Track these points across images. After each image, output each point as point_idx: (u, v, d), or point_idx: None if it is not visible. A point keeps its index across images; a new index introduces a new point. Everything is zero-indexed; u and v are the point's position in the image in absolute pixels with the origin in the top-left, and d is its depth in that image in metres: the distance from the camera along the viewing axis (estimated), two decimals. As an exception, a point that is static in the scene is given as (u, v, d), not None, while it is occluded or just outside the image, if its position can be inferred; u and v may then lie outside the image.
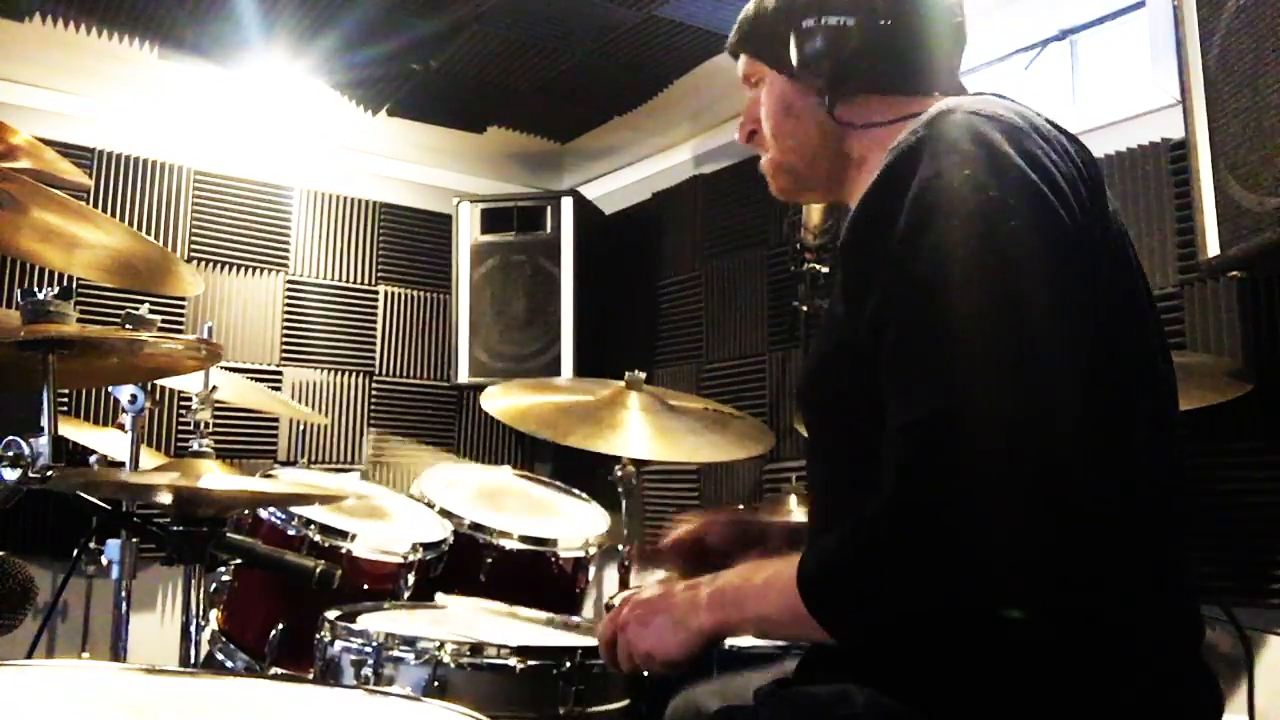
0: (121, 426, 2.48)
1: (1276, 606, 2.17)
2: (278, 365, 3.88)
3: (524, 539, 2.61)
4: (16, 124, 1.80)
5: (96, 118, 3.64)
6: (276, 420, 3.79)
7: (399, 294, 4.20)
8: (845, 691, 1.00)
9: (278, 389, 3.83)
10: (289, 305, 3.94)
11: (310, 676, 1.89)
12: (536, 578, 2.62)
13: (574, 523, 2.81)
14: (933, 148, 0.98)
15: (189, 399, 2.36)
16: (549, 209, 3.94)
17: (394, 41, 3.12)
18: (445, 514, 2.62)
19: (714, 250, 3.79)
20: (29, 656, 2.37)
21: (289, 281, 3.95)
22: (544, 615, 1.97)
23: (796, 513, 2.36)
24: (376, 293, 4.15)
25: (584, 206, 3.99)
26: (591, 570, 2.82)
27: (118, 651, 2.10)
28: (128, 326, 1.82)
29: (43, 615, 2.70)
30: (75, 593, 3.20)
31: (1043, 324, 0.90)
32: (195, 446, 1.78)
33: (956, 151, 0.96)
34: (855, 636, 0.99)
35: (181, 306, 3.63)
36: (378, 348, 4.12)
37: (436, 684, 1.61)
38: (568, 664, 1.63)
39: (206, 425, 2.13)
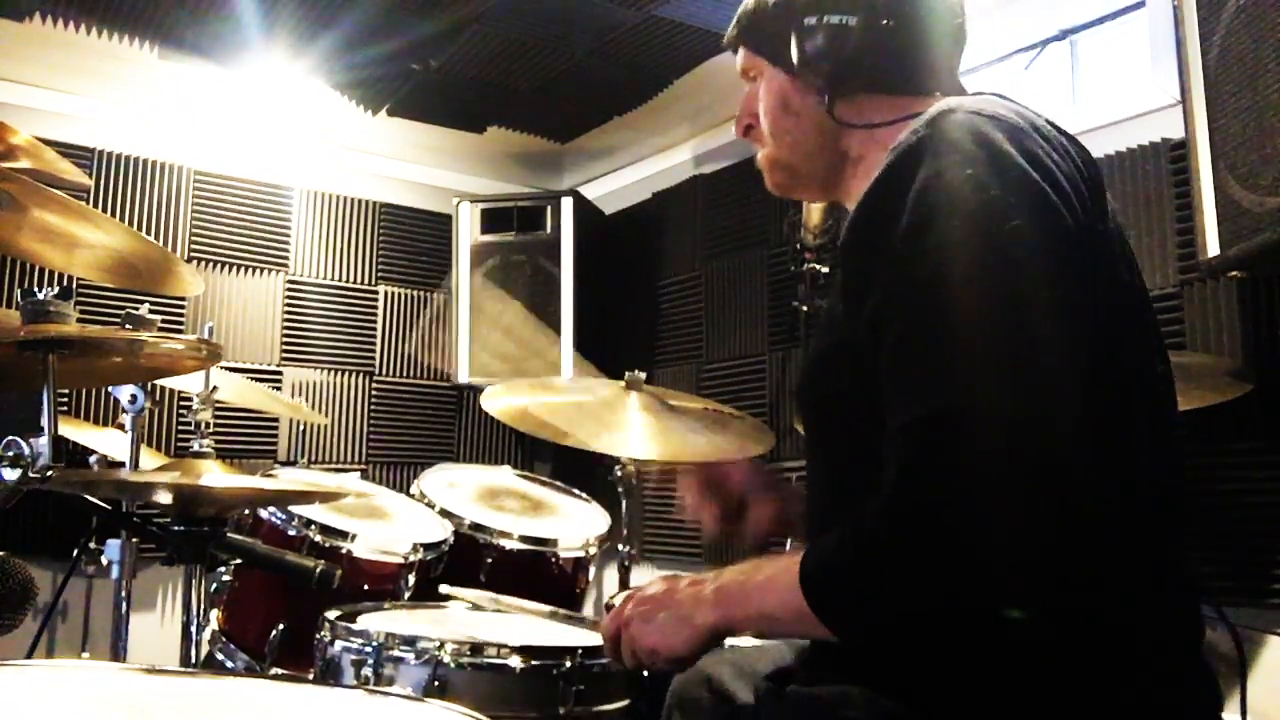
0: (121, 426, 2.48)
1: (1276, 606, 2.17)
2: (278, 365, 3.88)
3: (524, 539, 2.61)
4: (16, 124, 1.80)
5: (96, 118, 3.64)
6: (276, 420, 3.79)
7: (399, 294, 4.20)
8: (846, 692, 1.00)
9: (278, 389, 3.83)
10: (289, 305, 3.94)
11: (310, 676, 1.89)
12: (536, 578, 2.62)
13: (574, 523, 2.81)
14: (934, 147, 0.98)
15: (189, 399, 2.36)
16: (549, 209, 3.94)
17: (394, 41, 3.12)
18: (445, 514, 2.62)
19: (714, 250, 3.79)
20: (29, 656, 2.37)
21: (289, 281, 3.95)
22: (548, 608, 1.97)
23: (805, 518, 2.36)
24: (376, 293, 4.15)
25: (584, 206, 3.99)
26: (591, 570, 2.82)
27: (118, 651, 2.10)
28: (128, 326, 1.82)
29: (43, 615, 2.70)
30: (75, 593, 3.20)
31: (1044, 324, 0.90)
32: (195, 446, 1.78)
33: (958, 151, 0.96)
34: (856, 635, 0.99)
35: (181, 306, 3.63)
36: (378, 348, 4.12)
37: (436, 684, 1.61)
38: (568, 664, 1.63)
39: (207, 425, 2.13)
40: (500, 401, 2.54)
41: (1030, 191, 0.94)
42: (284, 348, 3.90)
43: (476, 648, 1.65)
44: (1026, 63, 2.94)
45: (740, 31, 1.28)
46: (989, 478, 0.85)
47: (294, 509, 2.33)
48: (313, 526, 2.32)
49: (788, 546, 1.49)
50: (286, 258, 3.96)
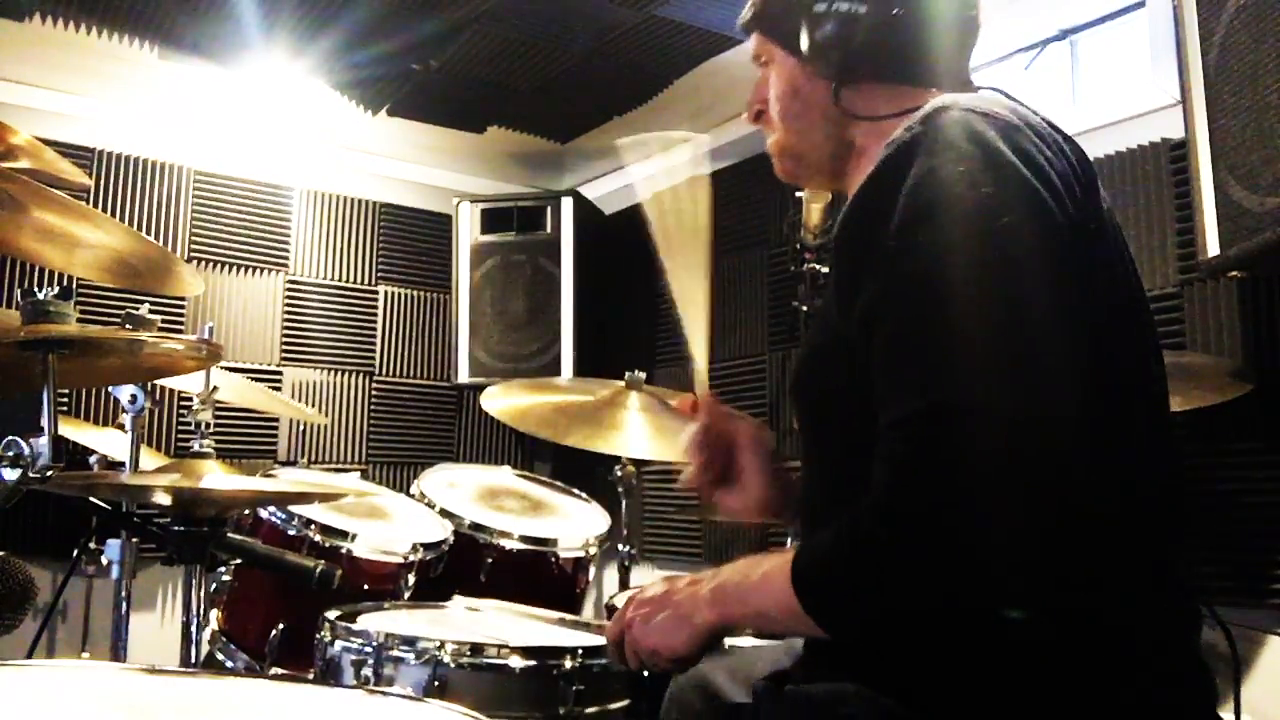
0: (121, 426, 2.48)
1: (1275, 606, 2.17)
2: (278, 365, 3.88)
3: (524, 539, 2.61)
4: (16, 124, 1.80)
5: (96, 118, 3.64)
6: (276, 420, 3.79)
7: (399, 294, 4.20)
8: (843, 691, 1.00)
9: (278, 389, 3.83)
10: (289, 305, 3.94)
11: (310, 676, 1.89)
12: (536, 578, 2.62)
13: (574, 523, 2.81)
14: (928, 144, 0.98)
15: (189, 399, 2.36)
16: (549, 209, 3.94)
17: (394, 41, 3.12)
18: (445, 514, 2.62)
19: (714, 250, 3.78)
20: (29, 656, 2.37)
21: (289, 281, 3.95)
22: (556, 615, 1.97)
23: (800, 515, 2.35)
24: (376, 293, 4.15)
25: (584, 206, 3.99)
26: (591, 570, 2.82)
27: (118, 651, 2.10)
28: (128, 326, 1.82)
29: (43, 615, 2.70)
30: (75, 593, 3.20)
31: (1040, 322, 0.90)
32: (195, 447, 1.78)
33: (952, 148, 0.96)
34: (849, 633, 1.00)
35: (181, 306, 3.63)
36: (378, 348, 4.12)
37: (436, 684, 1.61)
38: (568, 664, 1.63)
39: (207, 425, 2.13)
40: (500, 401, 2.54)
41: (1023, 190, 0.94)
42: (284, 348, 3.90)
43: (476, 648, 1.65)
44: (1026, 63, 2.94)
45: (753, 16, 1.28)
46: (988, 476, 0.85)
47: (294, 509, 2.33)
48: (313, 526, 2.32)
49: (788, 543, 1.48)
50: (286, 258, 3.96)
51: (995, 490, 0.85)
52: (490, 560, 2.56)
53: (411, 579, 2.43)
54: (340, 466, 3.93)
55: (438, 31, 3.07)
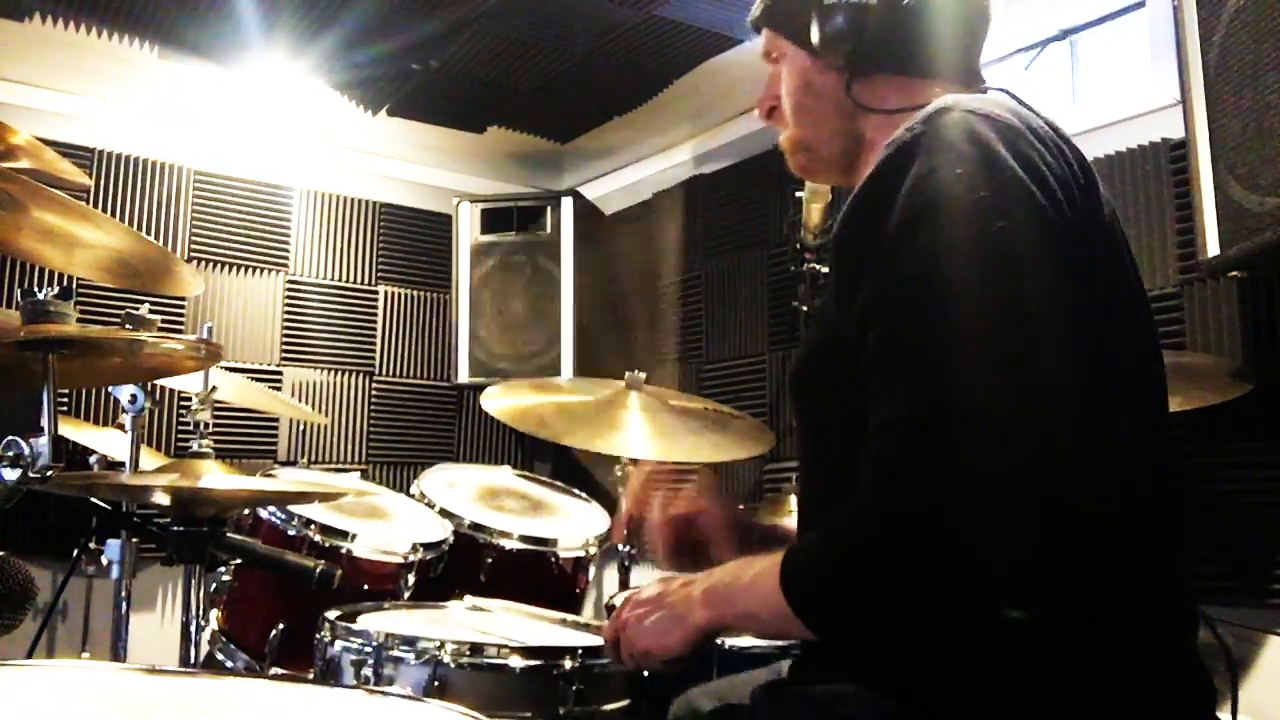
0: (121, 426, 2.48)
1: (1275, 606, 2.17)
2: (278, 365, 3.88)
3: (524, 539, 2.61)
4: (16, 124, 1.80)
5: (96, 118, 3.64)
6: (276, 420, 3.79)
7: (399, 294, 4.20)
8: (842, 692, 1.00)
9: (278, 389, 3.83)
10: (289, 305, 3.94)
11: (310, 676, 1.89)
12: (536, 578, 2.62)
13: (574, 523, 2.81)
14: (928, 145, 0.98)
15: (189, 399, 2.36)
16: (549, 209, 3.94)
17: (394, 41, 3.12)
18: (445, 514, 2.62)
19: (714, 250, 3.79)
20: (29, 656, 2.37)
21: (289, 281, 3.95)
22: (560, 615, 1.97)
23: (796, 513, 2.36)
24: (376, 293, 4.15)
25: (584, 206, 3.99)
26: (591, 570, 2.83)
27: (118, 651, 2.10)
28: (128, 326, 1.82)
29: (43, 615, 2.70)
30: (75, 593, 3.20)
31: (1036, 323, 0.90)
32: (195, 447, 1.78)
33: (951, 150, 0.96)
34: (838, 633, 1.01)
35: (181, 306, 3.63)
36: (378, 348, 4.12)
37: (436, 684, 1.60)
38: (568, 664, 1.63)
39: (206, 425, 2.13)
40: (500, 401, 2.54)
41: (1020, 193, 0.94)
42: (284, 348, 3.90)
43: (476, 648, 1.65)
44: (1026, 63, 2.94)
45: (764, 12, 1.29)
46: (983, 477, 0.85)
47: (294, 509, 2.33)
48: (312, 526, 2.32)
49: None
50: (286, 258, 3.96)
51: (991, 490, 0.85)
52: (490, 560, 2.56)
53: (411, 579, 2.43)
54: (340, 466, 3.93)
55: (438, 31, 3.07)
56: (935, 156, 0.97)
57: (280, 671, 2.22)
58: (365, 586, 2.33)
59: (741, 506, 3.19)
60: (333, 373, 4.00)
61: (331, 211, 4.08)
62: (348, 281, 4.09)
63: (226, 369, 3.01)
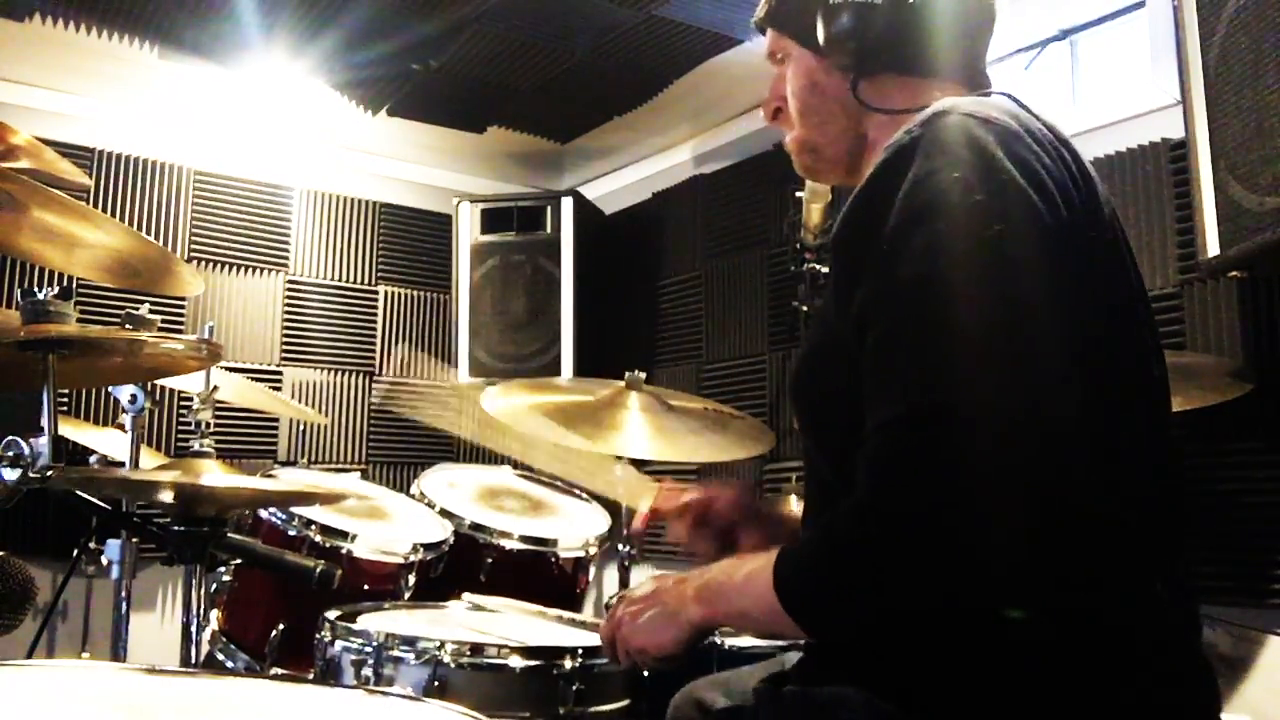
0: (121, 426, 2.48)
1: (1276, 606, 2.17)
2: (278, 365, 3.88)
3: (524, 539, 2.61)
4: (16, 124, 1.80)
5: (96, 118, 3.64)
6: (276, 420, 3.79)
7: (399, 294, 4.20)
8: (843, 694, 1.00)
9: (278, 389, 3.83)
10: (289, 305, 3.94)
11: (310, 676, 1.89)
12: (536, 578, 2.62)
13: (574, 523, 2.81)
14: (926, 148, 0.98)
15: (189, 399, 2.36)
16: (549, 209, 3.94)
17: (394, 41, 3.12)
18: (445, 514, 2.62)
19: (714, 250, 3.79)
20: (29, 656, 2.37)
21: (289, 281, 3.95)
22: (566, 614, 1.97)
23: (797, 512, 2.36)
24: (376, 293, 4.15)
25: (584, 206, 3.99)
26: (591, 570, 2.83)
27: (118, 651, 2.10)
28: (128, 326, 1.82)
29: (43, 615, 2.70)
30: (75, 593, 3.20)
31: (1032, 324, 0.90)
32: (195, 446, 1.78)
33: (948, 153, 0.97)
34: (831, 634, 1.01)
35: (181, 306, 3.63)
36: (378, 348, 4.12)
37: (436, 684, 1.61)
38: (568, 664, 1.63)
39: (207, 425, 2.13)
40: (500, 401, 2.54)
41: (1017, 197, 0.95)
42: (284, 348, 3.90)
43: (476, 648, 1.65)
44: (1026, 63, 2.94)
45: (768, 12, 1.29)
46: (988, 477, 0.85)
47: (294, 509, 2.33)
48: (313, 526, 2.32)
49: None
50: (286, 258, 3.96)
51: (991, 491, 0.85)
52: (490, 560, 2.56)
53: (411, 579, 2.43)
54: (340, 466, 3.93)
55: (438, 31, 3.07)
56: (932, 159, 0.97)
57: (280, 671, 2.22)
58: (365, 586, 2.33)
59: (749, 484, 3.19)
60: (333, 373, 4.00)
61: (331, 211, 4.08)
62: (348, 281, 4.09)
63: (226, 369, 3.01)
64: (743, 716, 1.18)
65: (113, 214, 3.51)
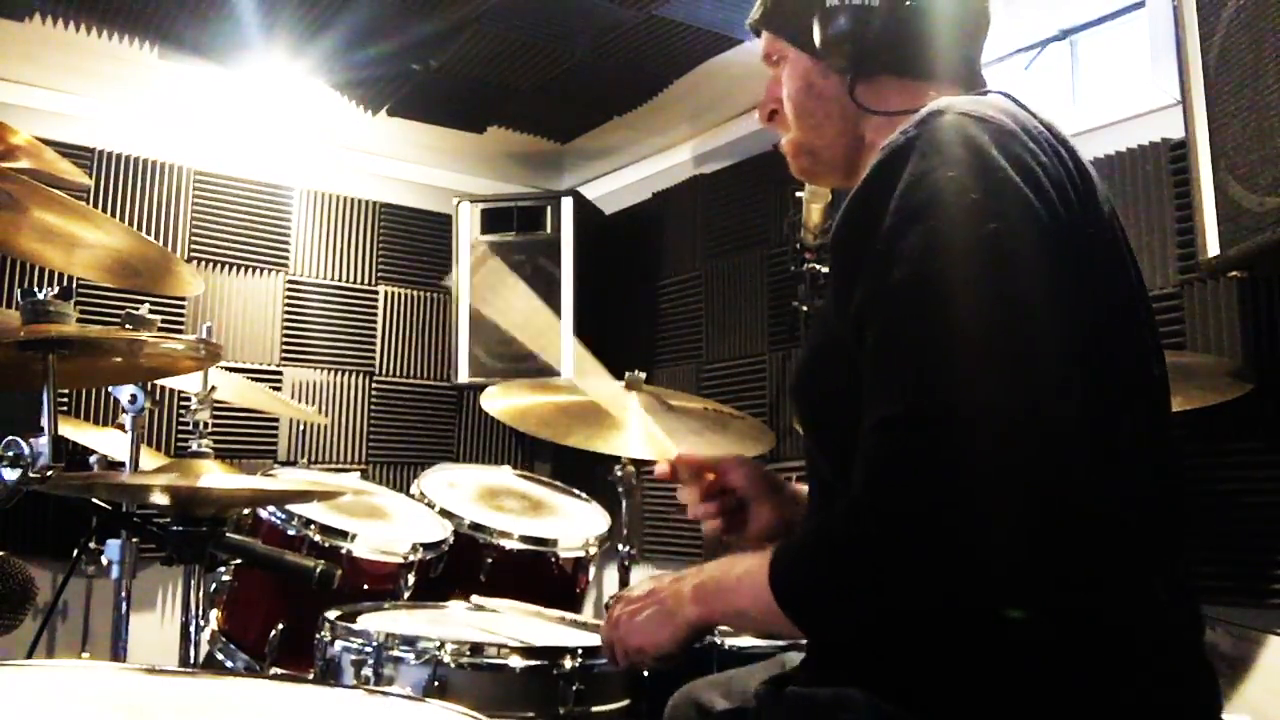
0: (121, 426, 2.48)
1: (1276, 606, 2.17)
2: (278, 365, 3.88)
3: (524, 539, 2.61)
4: (16, 124, 1.80)
5: (96, 118, 3.64)
6: (276, 420, 3.79)
7: (399, 294, 4.20)
8: (844, 694, 1.00)
9: (278, 389, 3.83)
10: (289, 305, 3.94)
11: (310, 676, 1.89)
12: (536, 578, 2.62)
13: (574, 523, 2.81)
14: (921, 148, 0.99)
15: (189, 399, 2.36)
16: (549, 209, 3.94)
17: (394, 41, 3.12)
18: (445, 514, 2.62)
19: (714, 250, 3.79)
20: (29, 656, 2.37)
21: (289, 281, 3.95)
22: (568, 615, 1.97)
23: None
24: (376, 293, 4.15)
25: (584, 206, 3.99)
26: (591, 570, 2.82)
27: (118, 651, 2.10)
28: (128, 326, 1.82)
29: (43, 615, 2.70)
30: (75, 593, 3.20)
31: (1033, 322, 0.90)
32: (195, 446, 1.78)
33: (942, 153, 0.97)
34: (828, 634, 1.02)
35: (181, 306, 3.63)
36: (378, 348, 4.12)
37: (436, 684, 1.61)
38: (568, 664, 1.63)
39: (206, 425, 2.13)
40: (500, 401, 2.54)
41: (1012, 196, 0.95)
42: (284, 348, 3.90)
43: (476, 648, 1.65)
44: (1026, 63, 2.94)
45: (763, 15, 1.28)
46: (988, 477, 0.85)
47: (293, 509, 2.33)
48: (312, 526, 2.32)
49: None
50: (286, 258, 3.96)
51: (991, 490, 0.85)
52: (490, 560, 2.56)
53: (411, 579, 2.43)
54: (340, 466, 3.93)
55: (438, 31, 3.07)
56: (928, 159, 0.97)
57: (280, 671, 2.22)
58: (365, 586, 2.33)
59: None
60: (333, 373, 4.00)
61: (331, 211, 4.08)
62: (348, 281, 4.09)
63: (226, 369, 3.01)
64: (743, 718, 1.18)
65: (113, 214, 3.50)
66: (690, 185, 3.92)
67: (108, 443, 2.82)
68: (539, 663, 1.64)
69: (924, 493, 0.86)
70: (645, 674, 1.74)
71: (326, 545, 2.31)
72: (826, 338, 1.11)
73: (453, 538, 2.55)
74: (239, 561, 2.29)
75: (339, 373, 4.01)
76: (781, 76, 1.27)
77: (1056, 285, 0.93)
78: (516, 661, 1.63)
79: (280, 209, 3.96)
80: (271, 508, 2.32)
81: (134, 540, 2.08)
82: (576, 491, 2.98)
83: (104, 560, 2.12)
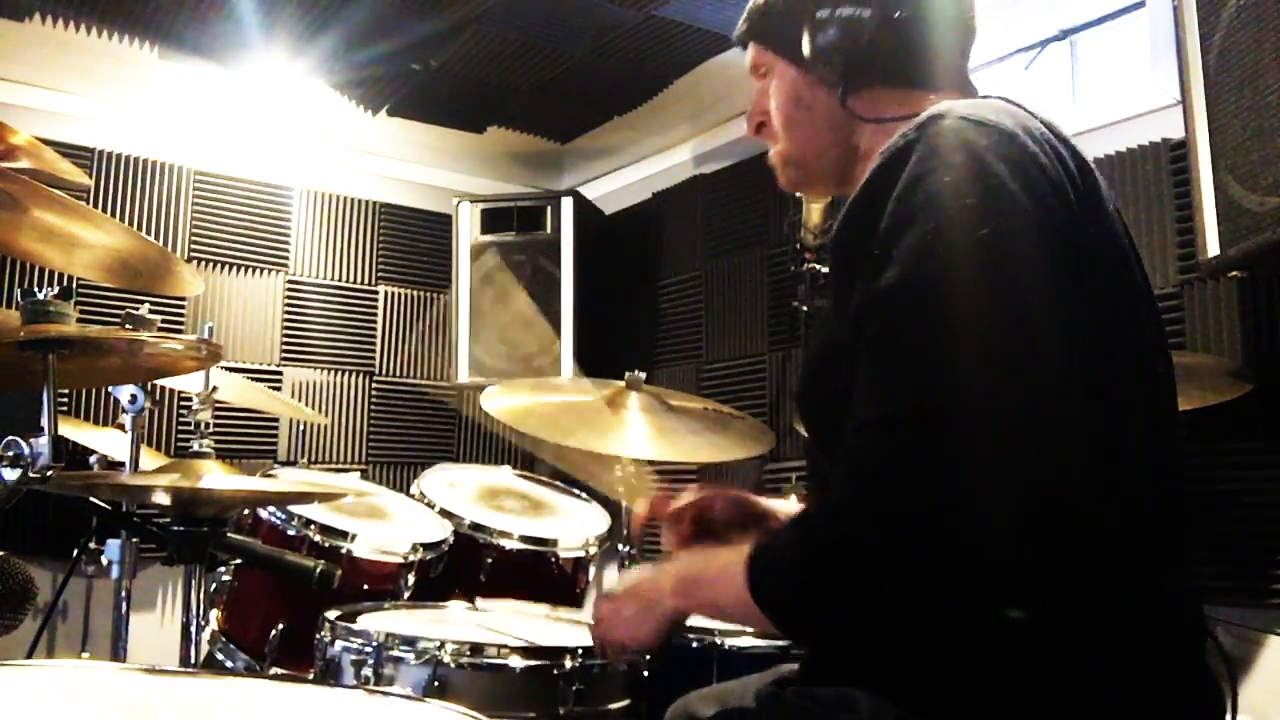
0: (121, 426, 2.48)
1: (1276, 606, 2.17)
2: (278, 365, 3.88)
3: (524, 539, 2.61)
4: (16, 124, 1.80)
5: (96, 118, 3.64)
6: (276, 420, 3.79)
7: (399, 294, 4.20)
8: (845, 695, 1.00)
9: (278, 389, 3.83)
10: (289, 305, 3.94)
11: (310, 676, 1.89)
12: (536, 578, 2.61)
13: (574, 523, 2.81)
14: (920, 152, 0.99)
15: (189, 399, 2.36)
16: (549, 209, 3.94)
17: (394, 41, 3.12)
18: (445, 514, 2.62)
19: (714, 250, 3.79)
20: (29, 656, 2.37)
21: (289, 281, 3.95)
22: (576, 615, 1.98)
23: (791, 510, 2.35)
24: (376, 293, 4.15)
25: (584, 206, 3.99)
26: (591, 570, 2.82)
27: (118, 651, 2.10)
28: (128, 326, 1.82)
29: (43, 615, 2.70)
30: (75, 593, 3.20)
31: (1032, 323, 0.90)
32: (195, 447, 1.78)
33: (940, 157, 0.97)
34: (805, 636, 1.05)
35: (181, 306, 3.63)
36: (378, 348, 4.12)
37: (436, 684, 1.61)
38: (568, 664, 1.63)
39: (206, 425, 2.13)
40: (500, 401, 2.54)
41: (1008, 200, 0.94)
42: (284, 348, 3.90)
43: (476, 648, 1.65)
44: (1026, 63, 2.94)
45: (750, 27, 1.28)
46: (987, 477, 0.85)
47: (294, 509, 2.33)
48: (312, 526, 2.32)
49: None
50: (286, 258, 3.96)
51: (991, 490, 0.85)
52: (490, 560, 2.55)
53: (411, 579, 2.43)
54: (340, 466, 3.93)
55: (438, 31, 3.07)
56: (924, 163, 0.97)
57: (280, 671, 2.22)
58: (365, 586, 2.33)
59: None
60: (333, 373, 4.00)
61: (331, 211, 4.08)
62: (348, 281, 4.09)
63: (226, 369, 3.01)
64: (743, 718, 1.18)
65: (113, 214, 3.51)
66: (690, 185, 3.92)
67: (108, 443, 2.82)
68: (539, 663, 1.64)
69: (924, 492, 0.86)
70: (645, 674, 1.74)
71: (326, 545, 2.31)
72: (828, 341, 1.11)
73: (453, 538, 2.55)
74: (239, 561, 2.29)
75: (339, 373, 4.02)
76: (769, 88, 1.27)
77: (1055, 286, 0.93)
78: (516, 661, 1.63)
79: (280, 209, 3.96)
80: (271, 508, 2.32)
81: (134, 540, 2.08)
82: (576, 491, 2.98)
83: (104, 560, 2.12)
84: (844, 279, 1.04)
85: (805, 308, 2.67)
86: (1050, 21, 2.86)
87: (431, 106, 3.69)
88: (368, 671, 1.65)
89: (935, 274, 0.92)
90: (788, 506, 1.40)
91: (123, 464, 2.29)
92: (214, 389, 2.28)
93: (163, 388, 3.07)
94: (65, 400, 3.32)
